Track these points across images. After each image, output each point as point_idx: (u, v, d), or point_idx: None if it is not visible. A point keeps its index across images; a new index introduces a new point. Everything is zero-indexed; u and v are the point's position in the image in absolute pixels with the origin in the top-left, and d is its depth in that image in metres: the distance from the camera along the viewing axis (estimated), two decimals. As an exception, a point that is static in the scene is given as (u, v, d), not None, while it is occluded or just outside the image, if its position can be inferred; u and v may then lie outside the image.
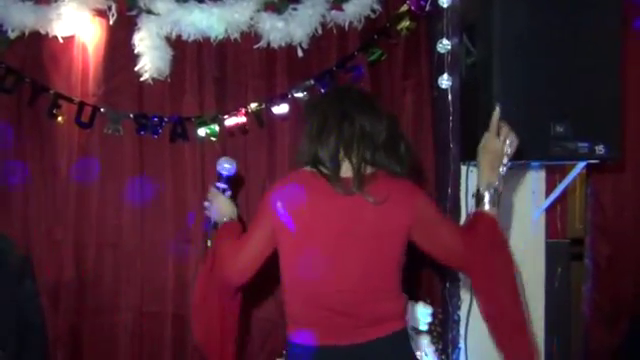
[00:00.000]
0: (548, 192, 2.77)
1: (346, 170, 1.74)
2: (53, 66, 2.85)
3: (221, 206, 2.05)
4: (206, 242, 2.18)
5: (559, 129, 2.18)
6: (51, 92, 2.81)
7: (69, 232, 2.82)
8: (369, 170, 1.75)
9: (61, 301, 2.80)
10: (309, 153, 1.77)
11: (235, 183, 2.19)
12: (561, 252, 2.85)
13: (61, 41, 2.80)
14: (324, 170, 1.74)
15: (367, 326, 1.72)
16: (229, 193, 2.11)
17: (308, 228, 1.72)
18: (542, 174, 2.79)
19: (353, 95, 1.86)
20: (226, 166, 2.13)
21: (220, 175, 2.12)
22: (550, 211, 2.86)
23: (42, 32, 2.78)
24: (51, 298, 2.79)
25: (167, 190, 2.87)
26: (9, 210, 2.82)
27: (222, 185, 2.11)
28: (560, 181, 2.73)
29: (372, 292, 1.74)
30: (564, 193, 2.83)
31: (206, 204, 2.10)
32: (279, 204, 1.73)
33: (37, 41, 2.82)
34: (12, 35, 2.77)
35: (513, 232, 2.73)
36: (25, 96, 2.82)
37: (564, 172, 2.72)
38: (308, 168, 1.78)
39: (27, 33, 2.78)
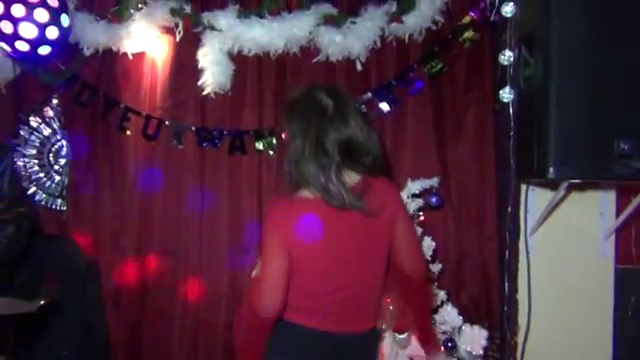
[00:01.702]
0: (619, 214, 2.56)
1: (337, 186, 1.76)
2: (124, 81, 3.02)
3: None
4: None
5: (623, 146, 2.01)
6: (121, 106, 2.97)
7: (133, 239, 2.96)
8: (355, 178, 1.80)
9: (123, 306, 2.94)
10: (298, 178, 1.78)
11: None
12: (635, 279, 2.62)
13: (131, 58, 2.96)
14: (325, 196, 1.75)
15: (366, 318, 1.88)
16: None
17: (318, 247, 1.78)
18: (612, 195, 2.58)
19: (325, 109, 1.79)
20: None
21: None
22: (623, 235, 2.64)
23: (114, 49, 2.95)
24: (114, 302, 2.94)
25: (224, 201, 2.93)
26: (80, 217, 3.00)
27: None
28: (636, 203, 2.52)
29: (372, 290, 1.87)
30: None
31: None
32: (290, 233, 1.76)
33: (110, 58, 2.99)
34: (87, 52, 2.96)
35: (579, 256, 2.57)
36: (98, 109, 3.00)
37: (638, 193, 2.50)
38: (305, 193, 1.79)
39: (101, 50, 2.96)
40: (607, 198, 2.59)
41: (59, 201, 3.04)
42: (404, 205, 1.94)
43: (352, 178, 1.79)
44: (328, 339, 1.81)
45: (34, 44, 2.72)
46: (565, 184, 2.27)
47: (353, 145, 1.77)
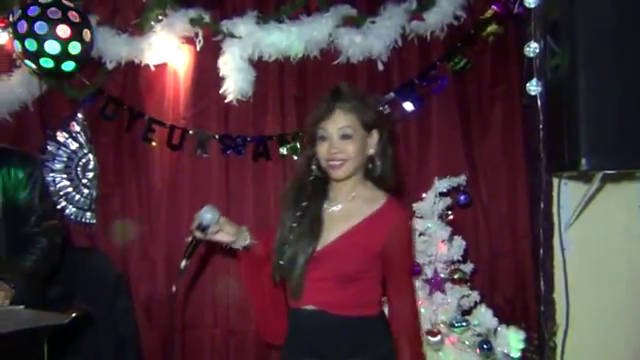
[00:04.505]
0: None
1: None
2: (147, 93, 3.04)
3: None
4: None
5: (659, 134, 1.93)
6: (146, 117, 2.99)
7: (161, 249, 2.96)
8: None
9: (154, 316, 2.94)
10: (383, 169, 1.90)
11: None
12: (679, 274, 2.50)
13: (153, 69, 2.98)
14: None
15: None
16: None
17: None
18: (652, 185, 2.48)
19: None
20: (208, 216, 1.82)
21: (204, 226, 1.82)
22: (666, 228, 2.53)
23: (136, 62, 2.97)
24: (145, 313, 2.94)
25: (250, 207, 2.92)
26: (109, 228, 3.01)
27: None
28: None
29: None
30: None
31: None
32: None
33: (132, 70, 3.02)
34: (110, 66, 2.99)
35: (617, 251, 2.46)
36: (123, 122, 3.02)
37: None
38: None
39: (123, 63, 2.99)
40: (646, 189, 2.49)
41: (88, 214, 3.07)
42: None
43: None
44: None
45: (58, 60, 2.77)
46: (599, 175, 2.18)
47: None
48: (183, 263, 1.80)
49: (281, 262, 1.81)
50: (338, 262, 1.76)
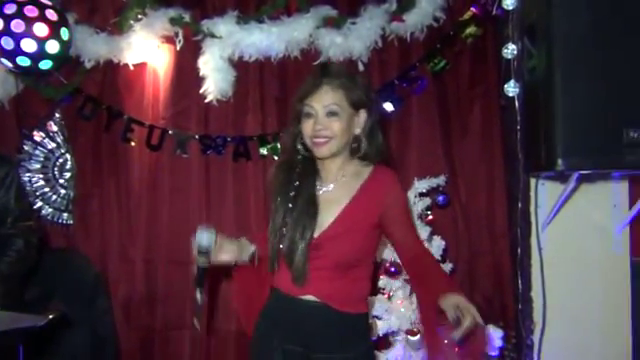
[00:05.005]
0: (633, 205, 2.50)
1: None
2: (126, 92, 3.01)
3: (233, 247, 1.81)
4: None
5: (633, 135, 1.96)
6: (125, 117, 2.96)
7: (140, 250, 2.94)
8: None
9: (133, 317, 2.92)
10: (369, 149, 1.87)
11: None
12: (652, 272, 2.56)
13: (132, 68, 2.95)
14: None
15: None
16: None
17: None
18: (624, 185, 2.53)
19: None
20: (205, 236, 1.71)
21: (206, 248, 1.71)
22: (638, 226, 2.57)
23: (115, 61, 2.95)
24: (123, 313, 2.91)
25: (231, 208, 2.91)
26: (87, 229, 2.99)
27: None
28: (648, 193, 2.47)
29: None
30: (655, 206, 2.54)
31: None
32: None
33: (111, 69, 2.99)
34: (88, 65, 2.96)
35: (593, 250, 2.51)
36: (101, 122, 2.98)
37: (652, 182, 2.45)
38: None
39: (102, 62, 2.96)
40: (619, 189, 2.54)
41: (65, 215, 3.03)
42: None
43: None
44: None
45: (35, 59, 2.73)
46: (575, 175, 2.22)
47: None
48: (198, 295, 1.70)
49: (281, 246, 1.74)
50: (338, 247, 1.73)
